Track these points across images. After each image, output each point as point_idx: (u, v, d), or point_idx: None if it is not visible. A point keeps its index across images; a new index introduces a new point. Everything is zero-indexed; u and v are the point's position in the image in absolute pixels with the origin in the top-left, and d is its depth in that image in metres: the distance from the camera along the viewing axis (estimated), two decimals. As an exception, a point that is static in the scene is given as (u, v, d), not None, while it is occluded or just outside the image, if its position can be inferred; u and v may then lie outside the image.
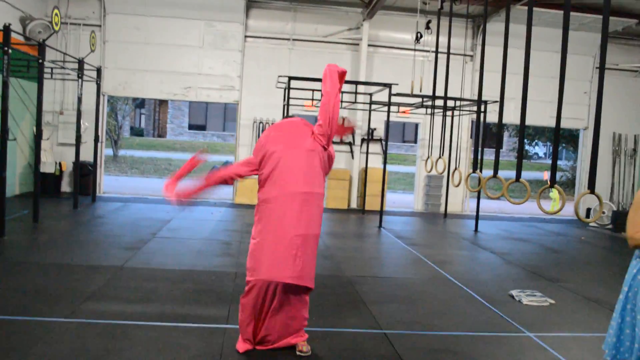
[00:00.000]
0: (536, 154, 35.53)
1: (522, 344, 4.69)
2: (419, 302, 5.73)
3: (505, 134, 33.14)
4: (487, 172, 7.32)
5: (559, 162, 31.61)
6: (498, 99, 5.78)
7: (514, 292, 6.19)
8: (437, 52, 8.57)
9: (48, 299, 4.94)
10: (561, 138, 25.40)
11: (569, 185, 23.05)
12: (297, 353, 3.99)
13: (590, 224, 12.91)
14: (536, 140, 29.25)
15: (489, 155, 19.83)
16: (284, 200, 3.87)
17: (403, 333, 4.71)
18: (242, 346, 4.03)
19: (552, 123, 14.07)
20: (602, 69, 4.16)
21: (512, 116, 12.70)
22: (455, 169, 8.27)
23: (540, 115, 12.81)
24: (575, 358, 4.39)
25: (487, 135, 17.81)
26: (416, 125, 33.76)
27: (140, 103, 33.25)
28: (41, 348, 3.85)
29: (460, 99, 9.77)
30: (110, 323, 4.42)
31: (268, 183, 3.94)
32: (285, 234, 3.81)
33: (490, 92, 8.32)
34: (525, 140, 29.63)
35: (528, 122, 12.87)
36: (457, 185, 7.79)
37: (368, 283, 6.29)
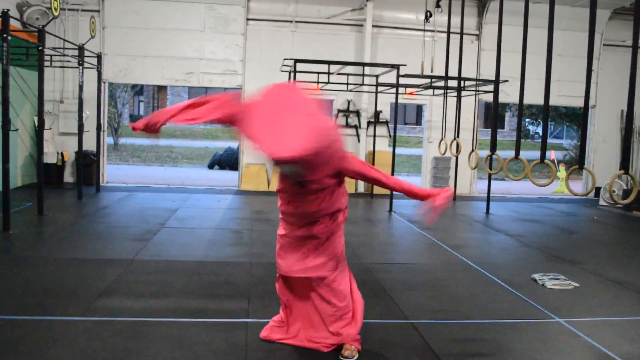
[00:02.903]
0: (537, 133, 35.35)
1: (553, 330, 4.54)
2: (441, 289, 5.57)
3: (508, 114, 32.93)
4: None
5: (561, 141, 31.37)
6: (508, 79, 5.58)
7: (536, 276, 6.04)
8: (449, 32, 8.34)
9: (60, 296, 4.76)
10: (564, 117, 25.17)
11: (572, 164, 22.85)
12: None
13: (601, 204, 12.75)
14: (538, 120, 29.01)
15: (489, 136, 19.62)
16: None
17: (430, 322, 4.56)
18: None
19: (557, 102, 13.93)
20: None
21: (516, 96, 12.47)
22: (473, 150, 8.08)
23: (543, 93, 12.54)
24: (610, 343, 4.23)
25: (491, 116, 17.55)
26: (418, 107, 33.60)
27: (139, 90, 32.94)
28: (57, 350, 3.68)
29: (476, 80, 9.54)
30: (127, 320, 4.25)
31: None
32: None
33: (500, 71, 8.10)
34: (528, 120, 29.42)
35: (533, 101, 12.71)
36: (475, 168, 7.61)
37: (387, 270, 6.13)
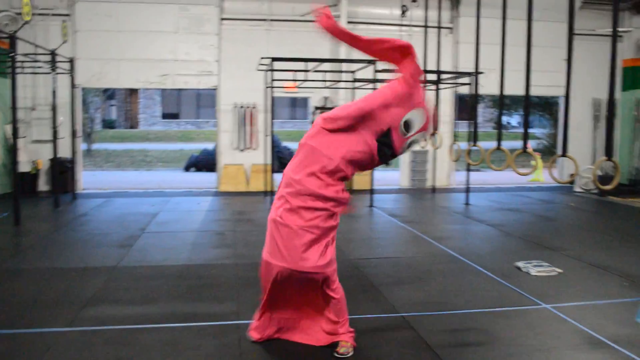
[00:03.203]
0: (509, 122, 35.76)
1: (541, 316, 4.60)
2: (429, 281, 5.61)
3: (481, 106, 33.22)
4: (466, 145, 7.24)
5: (533, 131, 31.80)
6: (483, 71, 5.64)
7: (520, 264, 6.11)
8: (426, 26, 8.39)
9: (46, 307, 4.67)
10: (535, 106, 25.50)
11: (545, 153, 23.16)
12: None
13: (576, 190, 12.96)
14: (512, 111, 29.35)
15: (465, 127, 19.77)
16: None
17: (421, 315, 4.58)
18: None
19: (529, 92, 14.06)
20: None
21: (492, 87, 12.59)
22: (454, 142, 8.14)
23: (520, 85, 12.67)
24: (596, 327, 4.31)
25: (464, 108, 17.69)
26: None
27: (110, 94, 32.50)
28: (48, 360, 3.62)
29: (454, 72, 9.60)
30: (116, 329, 4.19)
31: None
32: None
33: (471, 64, 8.15)
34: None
35: (506, 92, 12.78)
36: (456, 160, 7.67)
37: (373, 265, 6.15)
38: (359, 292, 5.17)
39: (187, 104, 33.86)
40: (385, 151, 3.63)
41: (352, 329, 3.88)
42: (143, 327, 4.23)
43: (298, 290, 3.78)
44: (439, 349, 3.90)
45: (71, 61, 11.03)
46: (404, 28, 12.62)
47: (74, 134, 11.17)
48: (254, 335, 3.95)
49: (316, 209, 3.53)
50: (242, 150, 12.75)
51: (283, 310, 3.90)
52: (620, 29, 13.85)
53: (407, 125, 3.62)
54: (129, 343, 3.92)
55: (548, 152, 22.94)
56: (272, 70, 9.60)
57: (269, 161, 11.36)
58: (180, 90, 30.97)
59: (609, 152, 4.09)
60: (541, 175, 15.17)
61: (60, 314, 4.46)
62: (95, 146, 23.37)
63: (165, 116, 33.49)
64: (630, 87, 13.72)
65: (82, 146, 13.26)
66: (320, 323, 3.87)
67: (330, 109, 12.87)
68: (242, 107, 12.61)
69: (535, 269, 5.93)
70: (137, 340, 3.97)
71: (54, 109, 9.97)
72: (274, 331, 3.93)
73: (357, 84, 11.14)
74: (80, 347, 3.84)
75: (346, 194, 3.67)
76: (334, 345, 3.80)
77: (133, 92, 33.17)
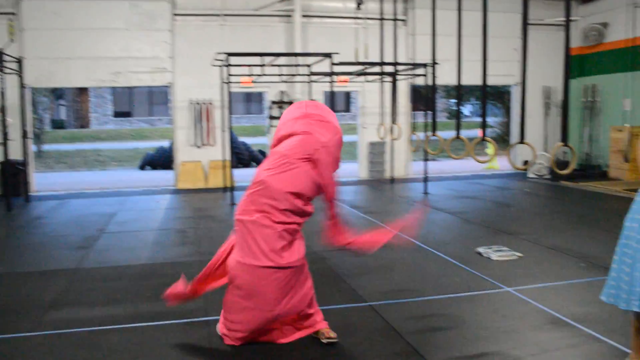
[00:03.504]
0: (461, 112, 36.45)
1: (504, 299, 4.73)
2: (393, 270, 5.68)
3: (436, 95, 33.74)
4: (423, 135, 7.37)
5: (487, 119, 32.60)
6: (438, 62, 5.73)
7: (481, 250, 6.26)
8: (381, 18, 8.46)
9: (7, 312, 4.53)
10: (488, 95, 26.05)
11: (498, 141, 23.66)
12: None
13: (530, 176, 13.32)
14: (464, 101, 29.89)
15: (421, 118, 20.04)
16: None
17: (388, 303, 4.65)
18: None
19: (486, 82, 14.37)
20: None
21: (447, 77, 12.82)
22: (413, 133, 8.26)
23: (474, 75, 12.92)
24: (557, 307, 4.46)
25: (419, 99, 17.92)
26: (347, 95, 33.88)
27: (59, 94, 31.58)
28: (13, 367, 3.52)
29: (411, 64, 9.72)
30: (82, 331, 4.10)
31: None
32: None
33: (425, 55, 8.29)
34: (454, 100, 30.28)
35: (461, 82, 13.04)
36: (415, 150, 7.79)
37: (338, 256, 6.19)
38: (327, 283, 5.21)
39: (139, 102, 33.23)
40: None
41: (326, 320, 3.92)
42: (109, 328, 4.15)
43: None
44: (408, 335, 3.96)
45: (19, 61, 10.67)
46: (359, 21, 12.68)
47: (24, 136, 10.84)
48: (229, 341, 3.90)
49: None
50: (199, 147, 12.60)
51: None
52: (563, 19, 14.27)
53: None
54: (96, 345, 3.85)
55: (501, 140, 23.46)
56: (228, 65, 9.51)
57: (228, 157, 11.27)
58: (132, 88, 30.39)
59: (564, 137, 4.22)
60: (496, 163, 15.53)
61: (22, 319, 4.34)
62: (46, 147, 22.68)
63: (118, 115, 32.78)
64: (578, 75, 14.18)
65: (32, 147, 12.85)
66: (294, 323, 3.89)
67: (289, 103, 12.87)
68: (197, 103, 12.46)
69: (496, 254, 6.09)
70: (105, 342, 3.90)
71: (2, 110, 9.63)
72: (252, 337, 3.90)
73: (314, 77, 11.15)
74: (46, 352, 3.75)
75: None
76: (304, 341, 3.83)
77: (83, 90, 32.33)
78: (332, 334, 3.81)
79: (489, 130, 25.14)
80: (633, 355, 3.28)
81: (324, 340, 3.79)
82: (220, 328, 3.92)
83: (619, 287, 3.16)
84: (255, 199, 3.57)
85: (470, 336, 3.95)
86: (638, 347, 3.24)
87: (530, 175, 13.42)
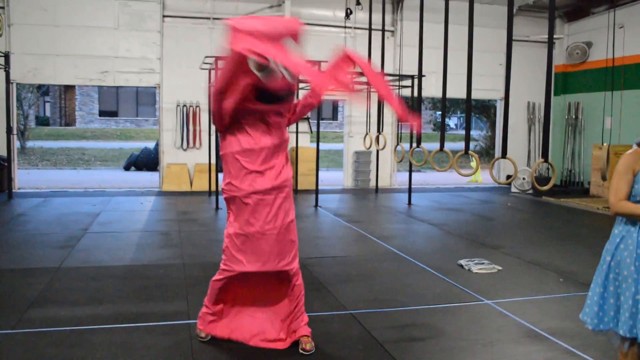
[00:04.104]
0: (447, 125, 36.80)
1: (483, 311, 4.80)
2: (375, 279, 5.74)
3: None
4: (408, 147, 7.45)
5: (471, 133, 32.81)
6: (425, 74, 5.83)
7: (462, 262, 6.34)
8: (370, 29, 8.55)
9: (-14, 309, 4.52)
10: (473, 108, 26.31)
11: (482, 154, 23.91)
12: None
13: (513, 191, 13.48)
14: (450, 113, 30.18)
15: (406, 129, 20.18)
16: None
17: (368, 312, 4.70)
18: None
19: (471, 95, 14.55)
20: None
21: (433, 90, 12.98)
22: (398, 143, 8.35)
23: (460, 88, 13.07)
24: (535, 321, 4.54)
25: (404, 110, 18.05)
26: (334, 103, 33.97)
27: (45, 90, 31.32)
28: (-8, 364, 3.51)
29: (398, 75, 9.81)
30: (64, 330, 4.10)
31: None
32: None
33: (412, 67, 8.38)
34: (440, 113, 30.55)
35: (447, 95, 13.17)
36: (400, 161, 7.87)
37: (321, 264, 6.23)
38: (308, 290, 5.21)
39: (126, 102, 33.03)
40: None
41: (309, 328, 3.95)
42: (91, 328, 4.16)
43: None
44: (387, 344, 4.01)
45: (6, 56, 10.61)
46: (347, 30, 12.79)
47: (9, 131, 10.75)
48: (205, 328, 3.95)
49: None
50: (185, 150, 12.60)
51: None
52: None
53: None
54: (78, 344, 3.85)
55: (485, 154, 23.70)
56: (217, 69, 9.53)
57: (213, 161, 11.28)
58: (119, 87, 30.23)
59: (545, 154, 4.32)
60: (479, 176, 15.70)
61: (3, 316, 4.32)
62: (30, 144, 22.49)
63: (103, 114, 32.56)
64: (561, 92, 14.41)
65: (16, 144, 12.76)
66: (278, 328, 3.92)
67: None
68: (185, 105, 12.46)
69: (477, 266, 6.17)
70: (86, 341, 3.90)
71: (-13, 105, 9.57)
72: (227, 335, 3.94)
73: (301, 85, 11.20)
74: (26, 349, 3.75)
75: None
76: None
77: (69, 88, 32.08)
78: (308, 346, 3.79)
79: (472, 144, 25.41)
80: None
81: (300, 350, 3.81)
82: (199, 324, 3.98)
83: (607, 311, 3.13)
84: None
85: (448, 347, 4.02)
86: None
87: (513, 189, 13.58)
